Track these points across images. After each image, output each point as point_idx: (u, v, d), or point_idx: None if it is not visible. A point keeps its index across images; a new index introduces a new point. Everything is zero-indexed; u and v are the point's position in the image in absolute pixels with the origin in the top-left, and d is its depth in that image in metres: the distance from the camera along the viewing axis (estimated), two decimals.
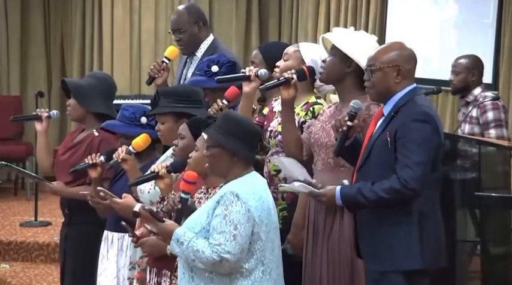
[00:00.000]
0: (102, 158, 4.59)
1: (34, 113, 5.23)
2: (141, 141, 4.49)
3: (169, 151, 4.51)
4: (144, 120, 4.62)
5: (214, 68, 4.79)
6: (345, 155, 3.95)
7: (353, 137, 3.90)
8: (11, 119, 5.46)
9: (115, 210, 4.47)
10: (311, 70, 4.30)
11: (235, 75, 4.59)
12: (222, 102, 4.50)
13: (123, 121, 4.64)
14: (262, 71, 4.44)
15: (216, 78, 4.60)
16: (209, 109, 4.52)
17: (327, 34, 4.31)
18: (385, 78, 3.80)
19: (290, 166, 4.16)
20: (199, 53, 5.55)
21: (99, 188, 4.46)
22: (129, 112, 4.64)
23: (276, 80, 4.25)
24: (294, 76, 4.19)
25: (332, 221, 4.14)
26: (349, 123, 3.85)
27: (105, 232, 4.69)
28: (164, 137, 4.45)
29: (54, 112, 5.20)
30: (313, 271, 4.19)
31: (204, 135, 3.82)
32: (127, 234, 4.52)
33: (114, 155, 4.45)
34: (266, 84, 4.29)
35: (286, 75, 4.20)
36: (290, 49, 4.54)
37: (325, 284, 4.13)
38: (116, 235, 4.63)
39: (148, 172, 4.21)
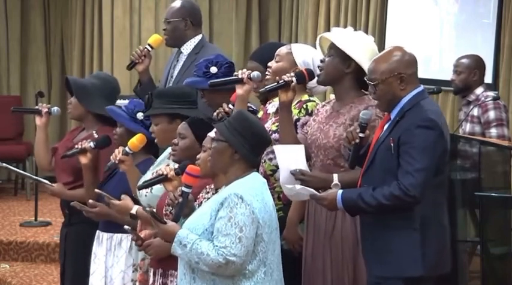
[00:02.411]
0: (91, 144, 4.61)
1: (36, 107, 5.22)
2: (137, 141, 4.47)
3: (167, 152, 4.49)
4: (140, 115, 4.60)
5: (213, 69, 4.77)
6: (360, 164, 3.92)
7: (366, 145, 3.89)
8: (11, 109, 5.45)
9: (107, 217, 4.50)
10: (310, 73, 4.29)
11: (228, 78, 4.55)
12: (228, 107, 4.48)
13: (126, 112, 4.64)
14: (255, 73, 4.42)
15: (208, 83, 4.57)
16: (214, 113, 4.49)
17: (326, 33, 4.30)
18: (390, 88, 3.76)
19: (286, 157, 4.04)
20: (186, 51, 5.56)
21: (96, 190, 4.45)
22: (131, 104, 4.65)
23: (275, 83, 4.23)
24: (294, 79, 4.18)
25: (334, 221, 4.14)
26: (361, 135, 3.86)
27: (97, 231, 4.70)
28: (158, 138, 4.43)
29: (55, 108, 5.17)
30: (315, 271, 4.19)
31: (212, 132, 3.81)
32: (115, 234, 4.54)
33: (111, 157, 4.44)
34: (266, 87, 4.28)
35: (285, 78, 4.19)
36: (282, 51, 4.54)
37: (329, 284, 4.14)
38: (106, 234, 4.63)
39: (156, 174, 4.18)
